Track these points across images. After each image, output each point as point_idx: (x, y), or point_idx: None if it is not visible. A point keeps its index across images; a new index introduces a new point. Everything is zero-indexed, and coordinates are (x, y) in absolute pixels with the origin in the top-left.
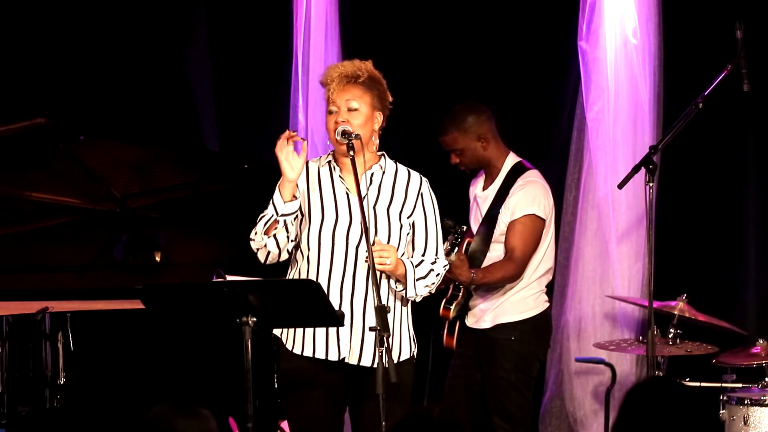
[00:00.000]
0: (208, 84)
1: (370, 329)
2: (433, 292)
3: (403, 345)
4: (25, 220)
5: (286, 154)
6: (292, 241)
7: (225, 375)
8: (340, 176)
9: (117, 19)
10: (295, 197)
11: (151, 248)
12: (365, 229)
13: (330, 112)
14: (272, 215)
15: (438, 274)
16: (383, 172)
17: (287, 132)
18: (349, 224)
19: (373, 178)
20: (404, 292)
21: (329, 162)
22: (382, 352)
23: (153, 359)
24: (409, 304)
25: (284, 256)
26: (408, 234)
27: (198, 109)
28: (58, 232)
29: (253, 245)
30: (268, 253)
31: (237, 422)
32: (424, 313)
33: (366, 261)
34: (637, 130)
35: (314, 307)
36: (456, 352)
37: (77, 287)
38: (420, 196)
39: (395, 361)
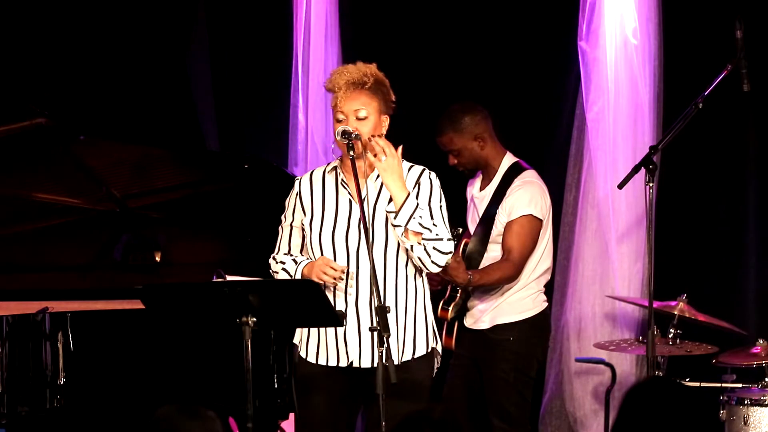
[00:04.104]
0: (208, 84)
1: (370, 329)
2: (433, 261)
3: (419, 341)
4: (25, 220)
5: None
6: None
7: (225, 375)
8: (343, 181)
9: (117, 20)
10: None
11: (151, 248)
12: (365, 231)
13: (338, 120)
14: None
15: (438, 235)
16: None
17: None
18: (347, 229)
19: (377, 179)
20: (395, 216)
21: (335, 167)
22: (382, 353)
23: (153, 359)
24: (428, 301)
25: None
26: None
27: (198, 109)
28: (58, 232)
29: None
30: None
31: (237, 422)
32: None
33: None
34: (637, 130)
35: (314, 307)
36: (455, 353)
37: (77, 287)
38: (417, 185)
39: (410, 358)
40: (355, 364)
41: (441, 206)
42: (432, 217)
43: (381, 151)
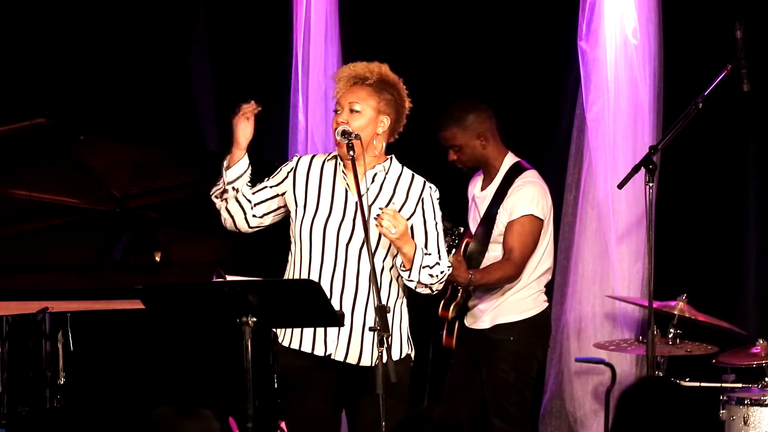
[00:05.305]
0: (208, 84)
1: (370, 329)
2: (435, 290)
3: (395, 345)
4: (25, 220)
5: (243, 125)
6: (255, 216)
7: (225, 375)
8: (343, 171)
9: (117, 20)
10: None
11: (151, 248)
12: (365, 230)
13: (335, 111)
14: (221, 186)
15: (442, 272)
16: (386, 173)
17: (251, 107)
18: (341, 220)
19: (375, 178)
20: (408, 273)
21: (335, 157)
22: (382, 352)
23: (153, 359)
24: (405, 306)
25: (245, 228)
26: None
27: (198, 109)
28: (58, 232)
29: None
30: (224, 219)
31: (237, 422)
32: (424, 313)
33: (360, 247)
34: (637, 130)
35: (314, 307)
36: (455, 353)
37: (77, 287)
38: (421, 200)
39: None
40: (333, 356)
41: (438, 226)
42: (437, 247)
43: (389, 225)
